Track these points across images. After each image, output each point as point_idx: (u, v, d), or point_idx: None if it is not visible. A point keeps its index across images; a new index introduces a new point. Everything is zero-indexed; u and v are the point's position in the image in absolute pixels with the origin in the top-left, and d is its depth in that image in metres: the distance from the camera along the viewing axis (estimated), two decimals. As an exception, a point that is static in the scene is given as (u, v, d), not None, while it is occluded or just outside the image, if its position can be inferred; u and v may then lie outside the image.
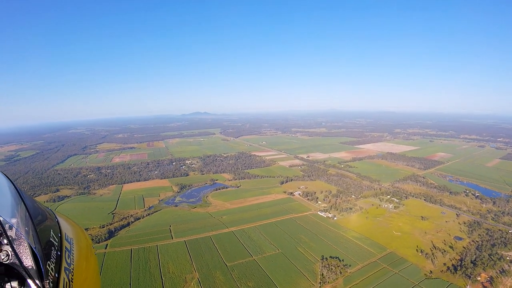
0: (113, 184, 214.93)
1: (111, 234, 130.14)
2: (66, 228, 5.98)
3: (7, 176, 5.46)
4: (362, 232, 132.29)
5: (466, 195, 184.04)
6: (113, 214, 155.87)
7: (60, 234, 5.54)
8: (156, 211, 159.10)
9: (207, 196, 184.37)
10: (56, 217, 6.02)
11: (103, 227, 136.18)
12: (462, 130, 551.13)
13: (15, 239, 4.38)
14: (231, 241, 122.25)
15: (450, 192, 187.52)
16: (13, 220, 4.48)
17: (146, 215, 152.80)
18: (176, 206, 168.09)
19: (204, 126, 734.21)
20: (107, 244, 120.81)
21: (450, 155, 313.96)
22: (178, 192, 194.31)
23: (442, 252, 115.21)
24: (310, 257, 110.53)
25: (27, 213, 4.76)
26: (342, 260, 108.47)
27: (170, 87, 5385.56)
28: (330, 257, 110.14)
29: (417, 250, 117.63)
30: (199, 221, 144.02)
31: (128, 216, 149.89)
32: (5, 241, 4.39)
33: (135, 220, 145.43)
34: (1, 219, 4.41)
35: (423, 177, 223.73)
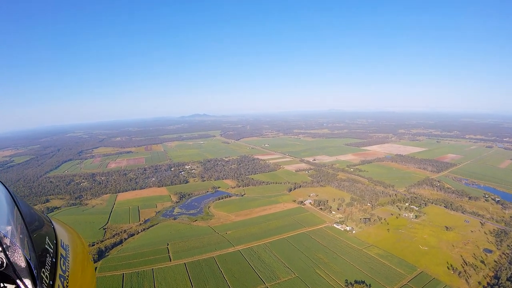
0: (107, 193, 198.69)
1: (101, 254, 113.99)
2: (62, 234, 5.86)
3: (2, 183, 5.29)
4: (386, 248, 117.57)
5: (486, 200, 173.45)
6: (104, 229, 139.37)
7: (56, 241, 5.43)
8: (153, 225, 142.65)
9: (209, 207, 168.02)
10: (52, 224, 5.88)
11: (92, 245, 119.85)
12: (466, 130, 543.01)
13: (9, 246, 4.32)
14: (239, 264, 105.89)
15: (470, 197, 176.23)
16: (8, 228, 4.44)
17: (141, 230, 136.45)
18: (175, 219, 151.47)
19: (204, 128, 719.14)
20: (96, 267, 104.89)
21: (460, 156, 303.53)
22: (177, 202, 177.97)
23: (474, 269, 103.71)
24: (332, 282, 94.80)
25: (21, 220, 4.71)
26: (369, 285, 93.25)
27: (169, 88, 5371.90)
28: (356, 281, 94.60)
29: (448, 267, 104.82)
30: (201, 237, 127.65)
31: (121, 232, 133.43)
32: (0, 248, 4.36)
33: (128, 237, 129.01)
34: None
35: (438, 181, 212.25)
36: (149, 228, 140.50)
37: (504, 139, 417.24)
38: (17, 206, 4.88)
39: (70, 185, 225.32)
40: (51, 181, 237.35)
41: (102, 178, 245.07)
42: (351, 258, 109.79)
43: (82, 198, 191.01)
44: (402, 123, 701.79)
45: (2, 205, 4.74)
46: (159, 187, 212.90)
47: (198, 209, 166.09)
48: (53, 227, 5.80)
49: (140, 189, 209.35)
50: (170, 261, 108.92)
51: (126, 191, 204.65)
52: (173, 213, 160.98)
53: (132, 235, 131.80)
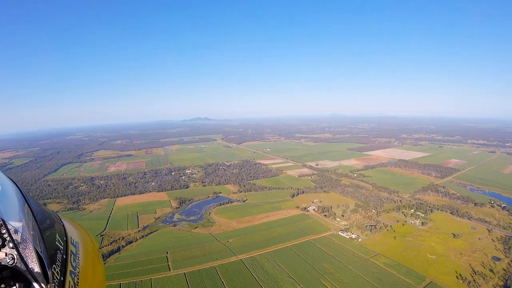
0: (105, 198, 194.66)
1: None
2: (72, 231, 6.03)
3: (13, 181, 5.43)
4: (394, 257, 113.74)
5: (491, 206, 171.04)
6: (102, 236, 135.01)
7: (66, 237, 5.59)
8: (152, 232, 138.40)
9: (209, 213, 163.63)
10: (61, 221, 6.09)
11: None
12: (468, 134, 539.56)
13: (20, 242, 4.49)
14: (241, 274, 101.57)
15: (475, 203, 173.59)
16: (19, 224, 4.59)
17: (140, 237, 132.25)
18: (175, 225, 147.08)
19: (205, 132, 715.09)
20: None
21: (464, 161, 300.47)
22: (177, 208, 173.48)
23: (483, 278, 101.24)
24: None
25: (32, 217, 4.83)
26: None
27: (171, 92, 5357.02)
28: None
29: (457, 277, 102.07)
30: (202, 246, 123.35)
31: (119, 239, 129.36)
32: (11, 244, 4.53)
33: (126, 244, 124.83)
34: (7, 223, 4.59)
35: (443, 187, 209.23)
36: (148, 235, 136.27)
37: (506, 144, 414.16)
38: (27, 203, 4.90)
39: (68, 188, 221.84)
40: (49, 185, 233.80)
41: (101, 182, 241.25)
42: (358, 268, 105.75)
43: (80, 203, 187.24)
44: (403, 128, 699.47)
45: (13, 202, 4.82)
46: (158, 192, 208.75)
47: (199, 215, 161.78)
48: (63, 225, 5.92)
49: (140, 193, 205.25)
50: (170, 270, 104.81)
51: (125, 195, 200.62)
52: (173, 220, 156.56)
53: (131, 242, 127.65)
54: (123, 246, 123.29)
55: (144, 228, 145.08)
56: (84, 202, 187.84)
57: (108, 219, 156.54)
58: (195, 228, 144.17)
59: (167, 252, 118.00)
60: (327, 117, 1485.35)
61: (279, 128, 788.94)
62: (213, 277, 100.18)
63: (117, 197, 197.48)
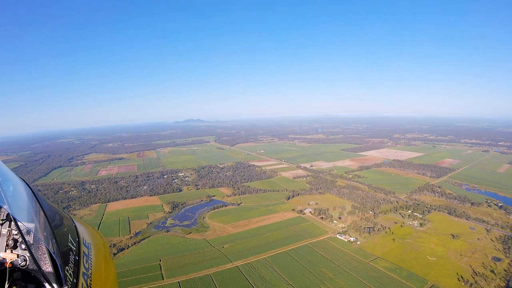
0: (96, 203, 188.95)
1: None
2: (84, 232, 5.98)
3: (25, 181, 5.35)
4: (394, 260, 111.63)
5: (488, 205, 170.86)
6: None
7: (78, 238, 5.54)
8: (144, 239, 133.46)
9: (203, 217, 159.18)
10: (73, 222, 6.03)
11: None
12: (461, 134, 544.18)
13: (33, 244, 4.46)
14: (238, 282, 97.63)
15: (472, 203, 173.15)
16: (31, 225, 4.52)
17: (132, 244, 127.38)
18: (168, 231, 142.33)
19: (198, 134, 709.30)
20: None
21: (458, 161, 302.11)
22: (170, 212, 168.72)
23: (485, 279, 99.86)
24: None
25: (45, 218, 4.76)
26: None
27: (163, 93, 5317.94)
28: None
29: (458, 279, 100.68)
30: (196, 252, 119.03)
31: (110, 246, 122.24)
32: (23, 246, 4.51)
33: (118, 252, 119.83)
34: (19, 224, 4.58)
35: (439, 187, 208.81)
36: (140, 241, 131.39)
37: (499, 143, 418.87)
38: (39, 204, 4.81)
39: (58, 194, 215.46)
40: (39, 190, 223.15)
41: (92, 186, 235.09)
42: (358, 273, 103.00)
43: (70, 208, 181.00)
44: (396, 128, 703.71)
45: (25, 202, 4.72)
46: (151, 196, 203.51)
47: (193, 220, 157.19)
48: (75, 225, 5.78)
49: (131, 198, 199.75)
50: (163, 279, 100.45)
51: (117, 200, 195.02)
52: (166, 225, 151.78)
53: (122, 249, 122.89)
54: (114, 254, 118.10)
55: (136, 234, 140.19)
56: (75, 208, 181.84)
57: (99, 226, 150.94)
58: (189, 233, 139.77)
59: (160, 259, 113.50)
60: (320, 117, 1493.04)
61: (272, 129, 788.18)
62: (208, 285, 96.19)
63: (108, 202, 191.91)
